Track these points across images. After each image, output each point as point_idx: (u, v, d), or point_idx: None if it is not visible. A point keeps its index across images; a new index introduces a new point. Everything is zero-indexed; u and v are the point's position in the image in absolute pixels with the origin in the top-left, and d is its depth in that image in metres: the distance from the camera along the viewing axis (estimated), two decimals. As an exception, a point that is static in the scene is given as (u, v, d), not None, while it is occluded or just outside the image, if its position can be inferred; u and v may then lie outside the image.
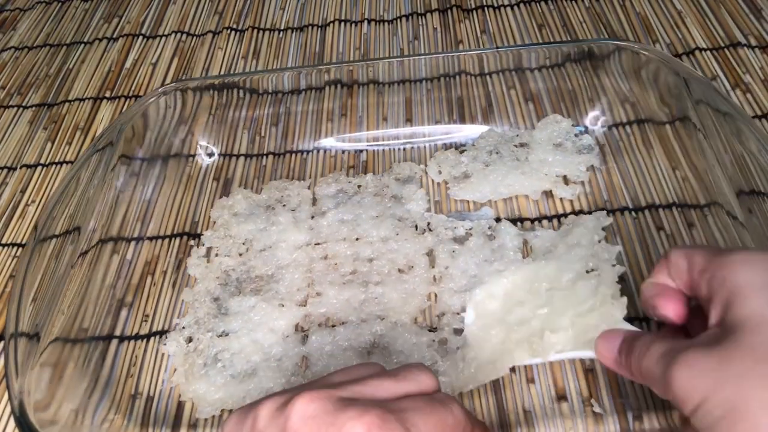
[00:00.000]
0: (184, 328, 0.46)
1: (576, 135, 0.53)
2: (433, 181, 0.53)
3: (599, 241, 0.45)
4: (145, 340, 0.46)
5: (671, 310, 0.30)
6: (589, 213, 0.48)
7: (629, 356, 0.30)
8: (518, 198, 0.51)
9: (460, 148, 0.54)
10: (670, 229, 0.47)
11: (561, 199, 0.50)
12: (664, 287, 0.31)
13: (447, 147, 0.55)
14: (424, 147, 0.55)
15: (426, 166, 0.53)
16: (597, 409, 0.39)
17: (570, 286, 0.41)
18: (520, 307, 0.42)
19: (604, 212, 0.48)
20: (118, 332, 0.46)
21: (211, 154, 0.57)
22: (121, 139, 0.50)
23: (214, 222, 0.52)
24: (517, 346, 0.39)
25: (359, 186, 0.52)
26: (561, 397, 0.40)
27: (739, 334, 0.25)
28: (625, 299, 0.37)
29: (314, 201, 0.52)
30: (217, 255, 0.50)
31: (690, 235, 0.46)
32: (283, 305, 0.45)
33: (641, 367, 0.29)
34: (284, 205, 0.52)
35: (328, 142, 0.57)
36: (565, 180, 0.51)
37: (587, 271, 0.43)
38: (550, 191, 0.50)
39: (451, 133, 0.56)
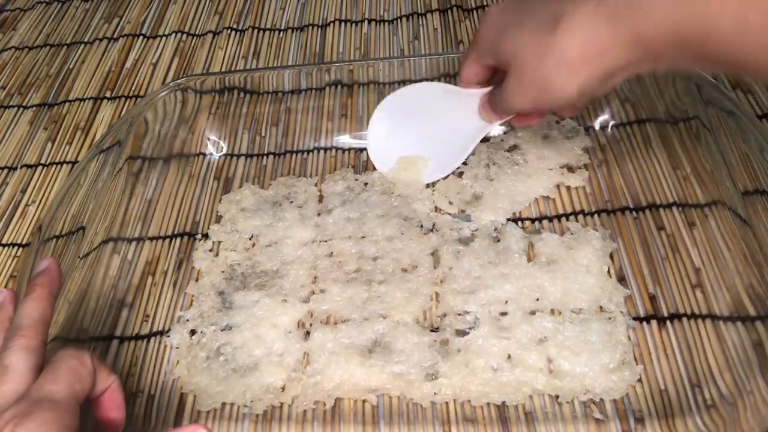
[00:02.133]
0: (188, 320, 0.46)
1: (557, 122, 0.53)
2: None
3: (608, 272, 0.45)
4: (145, 341, 0.46)
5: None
6: (591, 214, 0.48)
7: (494, 106, 0.43)
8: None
9: (455, 173, 0.52)
10: (670, 228, 0.47)
11: (569, 187, 0.50)
12: (477, 66, 0.43)
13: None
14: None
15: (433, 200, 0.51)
16: (597, 416, 0.39)
17: (582, 322, 0.42)
18: (528, 323, 0.42)
19: (608, 232, 0.47)
20: (118, 332, 0.46)
21: (212, 154, 0.57)
22: (130, 137, 0.50)
23: (221, 216, 0.52)
24: (529, 372, 0.40)
25: (366, 184, 0.52)
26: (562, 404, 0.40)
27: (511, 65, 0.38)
28: (640, 367, 0.40)
29: (321, 198, 0.52)
30: (224, 250, 0.50)
31: (691, 235, 0.46)
32: (286, 301, 0.46)
33: (499, 105, 0.42)
34: (291, 202, 0.52)
35: (329, 141, 0.57)
36: (570, 168, 0.51)
37: (599, 307, 0.43)
38: (562, 183, 0.50)
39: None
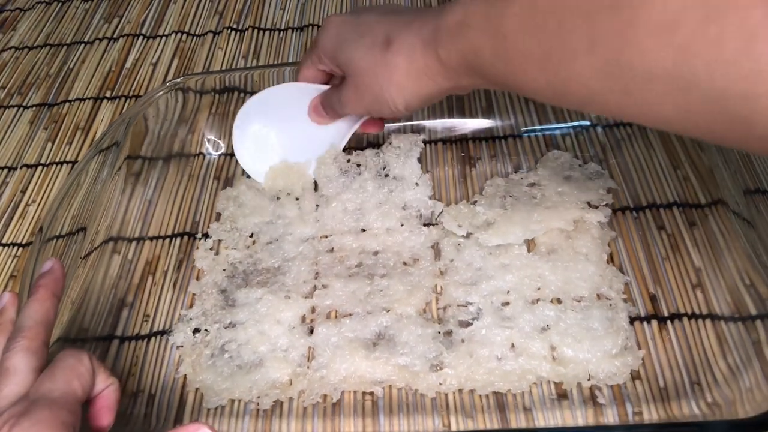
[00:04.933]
0: (191, 319, 0.46)
1: (580, 165, 0.51)
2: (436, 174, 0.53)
3: (607, 260, 0.45)
4: (145, 341, 0.46)
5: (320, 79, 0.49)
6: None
7: (327, 108, 0.49)
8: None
9: (471, 200, 0.51)
10: (670, 228, 0.47)
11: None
12: (315, 70, 0.48)
13: (445, 142, 0.55)
14: (426, 143, 0.55)
15: (441, 219, 0.49)
16: (602, 401, 0.39)
17: (584, 309, 0.42)
18: (530, 312, 0.42)
19: (607, 220, 0.47)
20: (119, 332, 0.46)
21: (211, 154, 0.57)
22: (128, 137, 0.50)
23: (219, 214, 0.52)
24: (533, 360, 0.40)
25: (359, 165, 0.52)
26: (561, 396, 0.40)
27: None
28: (642, 352, 0.41)
29: (316, 186, 0.52)
30: (225, 248, 0.50)
31: (691, 234, 0.46)
32: (289, 297, 0.46)
33: (333, 107, 0.47)
34: (288, 194, 0.52)
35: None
36: (591, 205, 0.48)
37: (598, 295, 0.43)
38: (582, 218, 0.47)
39: (454, 128, 0.56)
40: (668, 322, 0.42)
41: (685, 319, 0.42)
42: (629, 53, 0.26)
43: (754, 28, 0.22)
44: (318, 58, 0.47)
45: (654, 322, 0.42)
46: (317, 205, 0.51)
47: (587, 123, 0.54)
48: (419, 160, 0.52)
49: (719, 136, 0.26)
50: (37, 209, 0.57)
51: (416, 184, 0.51)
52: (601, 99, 0.29)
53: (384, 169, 0.52)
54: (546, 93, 0.33)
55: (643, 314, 0.43)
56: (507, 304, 0.43)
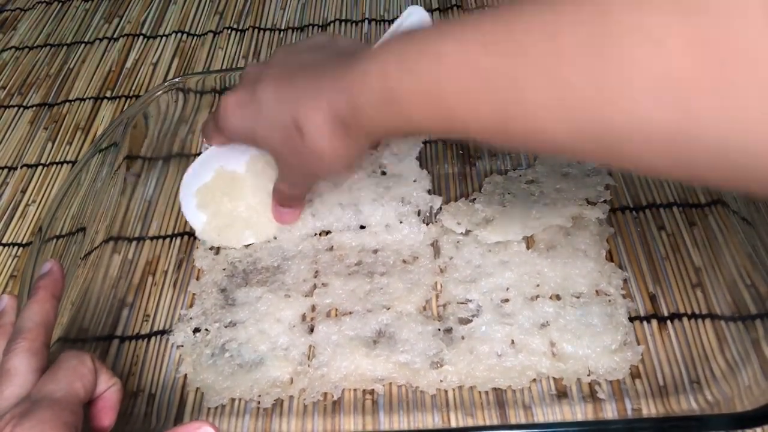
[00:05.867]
0: (191, 318, 0.46)
1: (578, 162, 0.51)
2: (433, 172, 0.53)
3: (606, 256, 0.45)
4: (145, 340, 0.46)
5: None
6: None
7: (284, 202, 0.49)
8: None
9: (469, 197, 0.51)
10: (670, 228, 0.47)
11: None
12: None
13: (445, 141, 0.55)
14: (426, 143, 0.55)
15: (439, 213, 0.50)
16: (601, 396, 0.39)
17: (583, 305, 0.42)
18: (529, 309, 0.43)
19: (605, 217, 0.47)
20: (119, 332, 0.46)
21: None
22: (126, 137, 0.51)
23: None
24: (533, 356, 0.40)
25: None
26: (561, 392, 0.40)
27: None
28: (641, 347, 0.41)
29: None
30: (224, 247, 0.50)
31: (691, 234, 0.46)
32: (289, 296, 0.46)
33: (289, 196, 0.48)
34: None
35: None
36: (590, 202, 0.48)
37: (597, 291, 0.44)
38: (580, 215, 0.47)
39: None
40: (668, 321, 0.42)
41: (684, 319, 0.42)
42: (613, 111, 0.24)
43: None
44: (230, 139, 0.46)
45: (654, 322, 0.42)
46: (309, 199, 0.51)
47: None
48: (418, 159, 0.52)
49: (716, 180, 0.26)
50: (37, 209, 0.57)
51: (414, 180, 0.51)
52: (571, 152, 0.29)
53: (380, 167, 0.52)
54: (506, 145, 0.33)
55: (642, 313, 0.43)
56: (506, 300, 0.44)
